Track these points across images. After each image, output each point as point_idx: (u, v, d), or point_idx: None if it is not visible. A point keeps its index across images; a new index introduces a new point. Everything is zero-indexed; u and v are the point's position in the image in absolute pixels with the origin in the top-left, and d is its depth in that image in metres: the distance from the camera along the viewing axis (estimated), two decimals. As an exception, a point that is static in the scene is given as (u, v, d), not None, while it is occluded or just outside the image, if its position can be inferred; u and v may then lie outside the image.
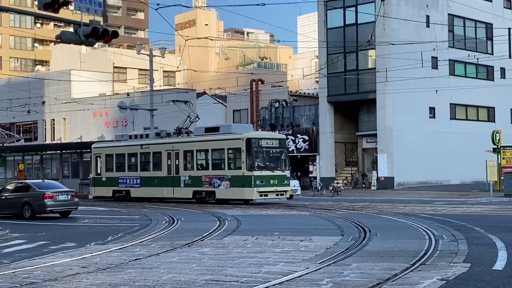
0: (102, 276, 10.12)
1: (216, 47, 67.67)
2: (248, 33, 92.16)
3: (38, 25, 79.49)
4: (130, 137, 35.58)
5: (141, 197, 33.33)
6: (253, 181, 27.65)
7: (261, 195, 27.94)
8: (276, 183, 28.27)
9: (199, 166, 30.60)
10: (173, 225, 19.40)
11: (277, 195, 28.51)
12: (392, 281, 9.08)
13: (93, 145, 37.82)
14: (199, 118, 33.56)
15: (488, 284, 8.75)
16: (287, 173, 29.25)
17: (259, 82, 51.20)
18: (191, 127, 33.13)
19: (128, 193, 33.99)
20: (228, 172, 28.77)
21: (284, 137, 33.26)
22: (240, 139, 28.42)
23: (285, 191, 28.97)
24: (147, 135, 34.39)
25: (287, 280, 9.28)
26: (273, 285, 8.95)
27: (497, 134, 36.11)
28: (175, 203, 31.36)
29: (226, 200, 29.19)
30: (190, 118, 32.83)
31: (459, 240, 13.64)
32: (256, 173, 27.72)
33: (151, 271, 10.41)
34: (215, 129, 30.58)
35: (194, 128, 32.42)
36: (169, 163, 31.71)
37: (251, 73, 52.94)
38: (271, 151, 28.92)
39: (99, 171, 35.79)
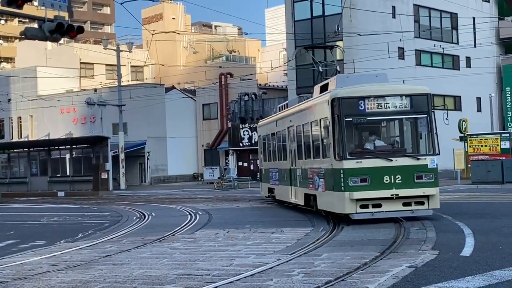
0: (72, 273, 10.05)
1: (184, 41, 67.32)
2: (216, 26, 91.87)
3: (2, 21, 78.23)
4: (280, 109, 23.09)
5: (282, 201, 22.33)
6: (343, 180, 14.68)
7: (363, 206, 14.71)
8: (398, 181, 14.69)
9: (306, 153, 18.20)
10: (144, 220, 19.33)
11: (403, 204, 14.86)
12: (362, 270, 9.18)
13: (258, 123, 27.24)
14: (338, 71, 20.57)
15: (456, 270, 8.90)
16: (429, 161, 15.54)
17: (228, 76, 51.17)
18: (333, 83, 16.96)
19: (274, 193, 23.56)
20: (321, 163, 16.34)
21: (425, 90, 15.92)
22: (325, 101, 15.67)
23: (424, 197, 15.04)
24: (286, 106, 22.03)
25: (258, 272, 9.31)
26: (245, 277, 8.97)
27: (464, 123, 36.59)
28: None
29: (325, 212, 16.73)
30: (321, 72, 22.23)
31: (428, 228, 13.82)
32: (349, 163, 14.70)
33: (122, 267, 10.37)
34: (324, 88, 17.38)
35: (314, 88, 19.36)
36: (290, 147, 20.15)
37: (220, 67, 52.85)
38: (388, 121, 16.14)
39: (262, 161, 25.60)
